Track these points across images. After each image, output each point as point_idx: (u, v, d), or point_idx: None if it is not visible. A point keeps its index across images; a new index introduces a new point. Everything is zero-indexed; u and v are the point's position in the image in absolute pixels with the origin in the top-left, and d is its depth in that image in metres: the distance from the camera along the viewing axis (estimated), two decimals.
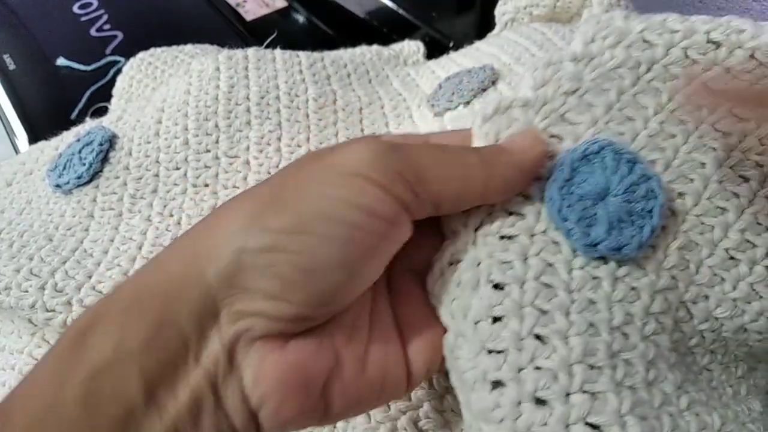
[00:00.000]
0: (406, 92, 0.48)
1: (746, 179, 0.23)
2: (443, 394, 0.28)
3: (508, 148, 0.22)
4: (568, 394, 0.19)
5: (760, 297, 0.23)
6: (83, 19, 0.73)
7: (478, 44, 0.50)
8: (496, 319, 0.21)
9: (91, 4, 0.75)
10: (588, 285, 0.21)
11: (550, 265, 0.21)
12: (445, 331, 0.22)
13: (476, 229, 0.22)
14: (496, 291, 0.21)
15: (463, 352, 0.21)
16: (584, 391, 0.19)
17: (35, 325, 0.34)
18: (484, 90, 0.41)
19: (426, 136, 0.25)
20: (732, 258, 0.23)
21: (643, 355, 0.21)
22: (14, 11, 0.74)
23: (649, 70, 0.24)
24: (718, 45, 0.23)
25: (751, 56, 0.23)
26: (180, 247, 0.20)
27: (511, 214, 0.22)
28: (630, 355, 0.21)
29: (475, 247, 0.22)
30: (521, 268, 0.21)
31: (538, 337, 0.20)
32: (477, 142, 0.23)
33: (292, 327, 0.20)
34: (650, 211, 0.22)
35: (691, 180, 0.23)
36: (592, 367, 0.20)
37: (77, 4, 0.75)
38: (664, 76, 0.24)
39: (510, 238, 0.22)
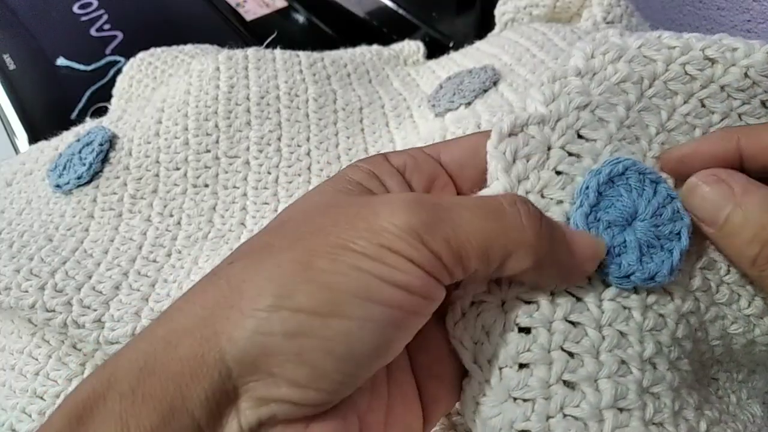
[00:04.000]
0: (406, 92, 0.48)
1: None
2: None
3: (570, 243, 0.20)
4: None
5: None
6: (83, 19, 0.73)
7: (479, 44, 0.50)
8: (522, 365, 0.20)
9: (91, 4, 0.75)
10: (620, 317, 0.20)
11: (579, 300, 0.21)
12: (460, 370, 0.21)
13: None
14: (523, 336, 0.20)
15: (487, 399, 0.20)
16: None
17: (35, 325, 0.34)
18: (485, 90, 0.41)
19: (441, 145, 0.24)
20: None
21: (670, 385, 0.21)
22: (14, 11, 0.74)
23: (651, 85, 0.24)
24: (713, 62, 0.23)
25: (745, 74, 0.23)
26: (193, 321, 0.18)
27: None
28: (659, 389, 0.20)
29: (499, 287, 0.21)
30: (548, 308, 0.20)
31: (566, 383, 0.20)
32: (493, 163, 0.22)
33: (317, 410, 0.18)
34: (678, 234, 0.21)
35: None
36: (622, 410, 0.19)
37: (77, 4, 0.75)
38: (665, 93, 0.24)
39: None
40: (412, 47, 0.55)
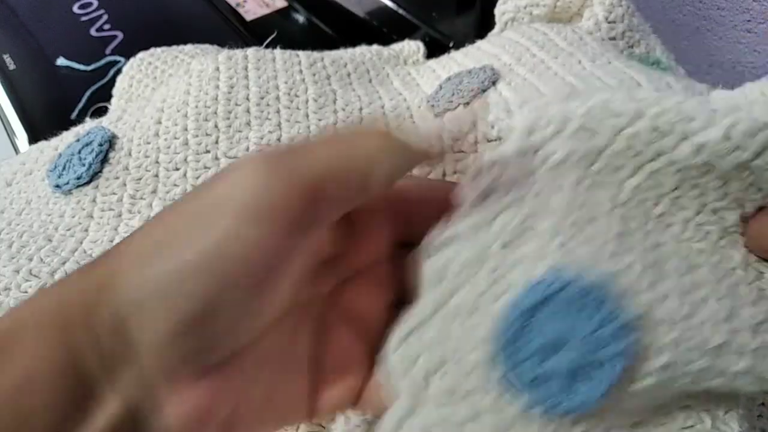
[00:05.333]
0: (406, 92, 0.48)
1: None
2: None
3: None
4: None
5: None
6: (83, 19, 0.73)
7: (480, 44, 0.50)
8: None
9: (91, 3, 0.75)
10: None
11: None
12: (367, 372, 0.22)
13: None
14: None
15: None
16: None
17: None
18: (483, 90, 0.41)
19: None
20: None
21: None
22: (14, 11, 0.74)
23: (594, 162, 0.22)
24: (664, 134, 0.21)
25: (697, 151, 0.21)
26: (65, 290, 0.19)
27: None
28: None
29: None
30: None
31: None
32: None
33: (189, 370, 0.18)
34: (619, 354, 0.20)
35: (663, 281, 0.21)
36: None
37: (77, 4, 0.75)
38: (612, 167, 0.22)
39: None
40: (412, 47, 0.55)
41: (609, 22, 0.47)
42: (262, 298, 0.19)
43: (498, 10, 0.52)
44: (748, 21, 0.59)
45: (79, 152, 0.41)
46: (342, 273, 0.24)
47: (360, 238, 0.23)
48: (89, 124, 0.45)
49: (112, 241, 0.37)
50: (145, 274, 0.18)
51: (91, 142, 0.41)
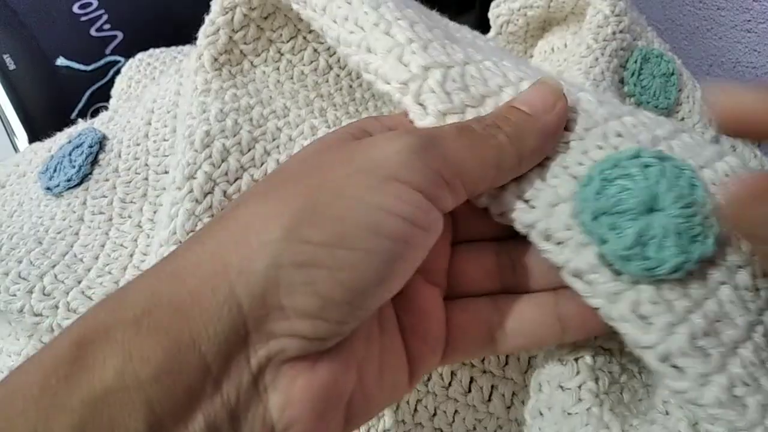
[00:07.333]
0: None
1: None
2: None
3: (532, 113, 0.21)
4: None
5: None
6: (83, 18, 0.73)
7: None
8: None
9: (90, 3, 0.75)
10: None
11: None
12: (442, 331, 0.22)
13: None
14: None
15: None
16: None
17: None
18: None
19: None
20: None
21: None
22: (14, 11, 0.74)
23: None
24: None
25: None
26: (202, 255, 0.18)
27: None
28: None
29: None
30: None
31: None
32: None
33: (324, 345, 0.18)
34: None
35: None
36: None
37: (77, 4, 0.75)
38: None
39: None
40: None
41: (616, 15, 0.46)
42: (408, 271, 0.19)
43: (492, 13, 0.51)
44: (748, 21, 0.58)
45: (70, 154, 0.41)
46: None
47: None
48: (81, 125, 0.45)
49: (103, 246, 0.37)
50: (299, 241, 0.17)
51: (81, 144, 0.41)
